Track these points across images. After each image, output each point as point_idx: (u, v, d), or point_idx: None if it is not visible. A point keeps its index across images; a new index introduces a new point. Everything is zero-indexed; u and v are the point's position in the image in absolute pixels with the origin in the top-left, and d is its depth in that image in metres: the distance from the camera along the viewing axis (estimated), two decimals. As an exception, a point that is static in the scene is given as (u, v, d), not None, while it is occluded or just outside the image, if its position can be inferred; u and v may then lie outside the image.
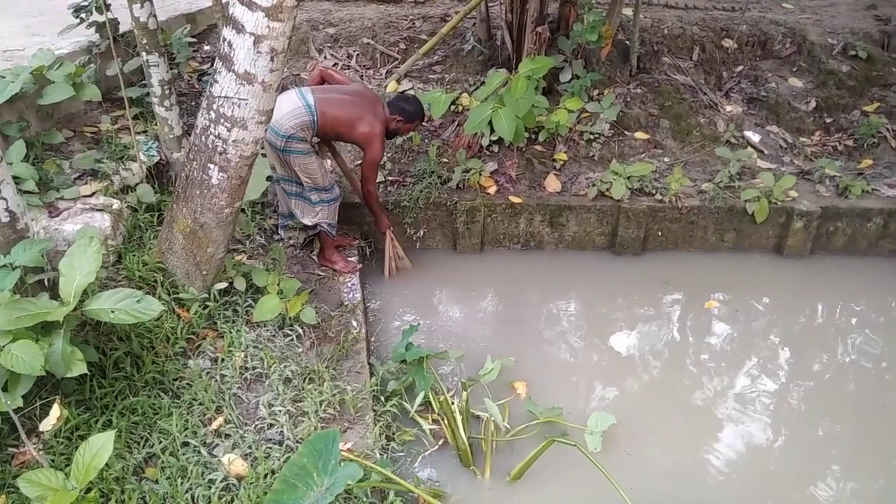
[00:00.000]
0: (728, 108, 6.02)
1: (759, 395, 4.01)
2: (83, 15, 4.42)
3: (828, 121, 6.08)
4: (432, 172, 5.07)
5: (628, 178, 5.11)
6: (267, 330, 3.62)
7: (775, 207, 5.13)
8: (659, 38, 6.37)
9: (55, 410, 2.37)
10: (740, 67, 6.39)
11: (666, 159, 5.57)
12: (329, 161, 4.64)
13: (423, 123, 5.60)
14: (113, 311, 2.72)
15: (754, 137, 5.87)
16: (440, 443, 3.48)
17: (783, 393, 4.06)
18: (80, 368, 2.63)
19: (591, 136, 5.50)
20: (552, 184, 5.20)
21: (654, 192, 5.16)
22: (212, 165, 3.23)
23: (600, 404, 3.90)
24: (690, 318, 4.67)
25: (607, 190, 5.08)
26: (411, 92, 5.76)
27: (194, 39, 5.79)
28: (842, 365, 4.31)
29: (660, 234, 5.20)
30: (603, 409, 3.80)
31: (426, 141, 5.42)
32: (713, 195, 5.15)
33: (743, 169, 5.40)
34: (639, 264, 5.15)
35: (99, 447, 2.21)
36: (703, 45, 6.41)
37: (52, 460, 2.60)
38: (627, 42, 6.07)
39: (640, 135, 5.66)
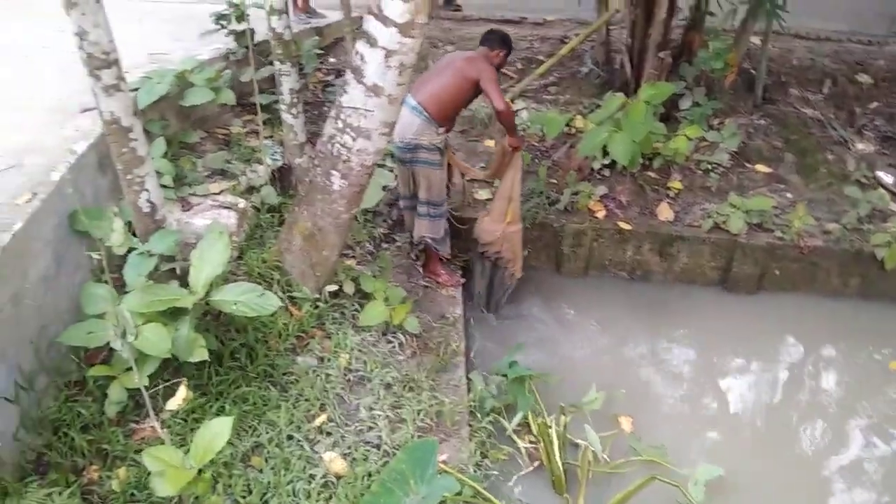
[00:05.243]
0: (859, 146, 5.67)
1: (876, 458, 3.71)
2: (223, 22, 4.70)
3: (973, 165, 5.62)
4: (541, 193, 5.04)
5: (747, 211, 4.89)
6: (371, 335, 3.70)
7: (908, 255, 4.76)
8: (787, 69, 6.11)
9: (182, 391, 2.50)
10: (875, 104, 6.02)
11: (789, 195, 5.29)
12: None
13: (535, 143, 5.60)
14: (236, 304, 2.86)
15: (887, 179, 5.49)
16: (535, 465, 3.43)
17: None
18: (201, 354, 2.78)
19: (709, 166, 5.31)
20: (664, 212, 5.05)
21: (774, 228, 4.90)
22: (335, 172, 3.36)
23: (706, 450, 3.73)
24: (807, 367, 4.39)
25: (723, 223, 4.88)
26: (524, 112, 5.77)
27: (321, 51, 6.05)
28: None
29: (777, 273, 4.93)
30: (708, 456, 3.63)
31: (536, 161, 5.40)
32: (839, 236, 4.85)
33: (873, 211, 5.06)
34: (753, 304, 4.89)
35: (218, 431, 2.31)
36: (835, 78, 6.10)
37: (170, 439, 2.74)
38: (753, 71, 5.85)
39: (761, 167, 5.42)
